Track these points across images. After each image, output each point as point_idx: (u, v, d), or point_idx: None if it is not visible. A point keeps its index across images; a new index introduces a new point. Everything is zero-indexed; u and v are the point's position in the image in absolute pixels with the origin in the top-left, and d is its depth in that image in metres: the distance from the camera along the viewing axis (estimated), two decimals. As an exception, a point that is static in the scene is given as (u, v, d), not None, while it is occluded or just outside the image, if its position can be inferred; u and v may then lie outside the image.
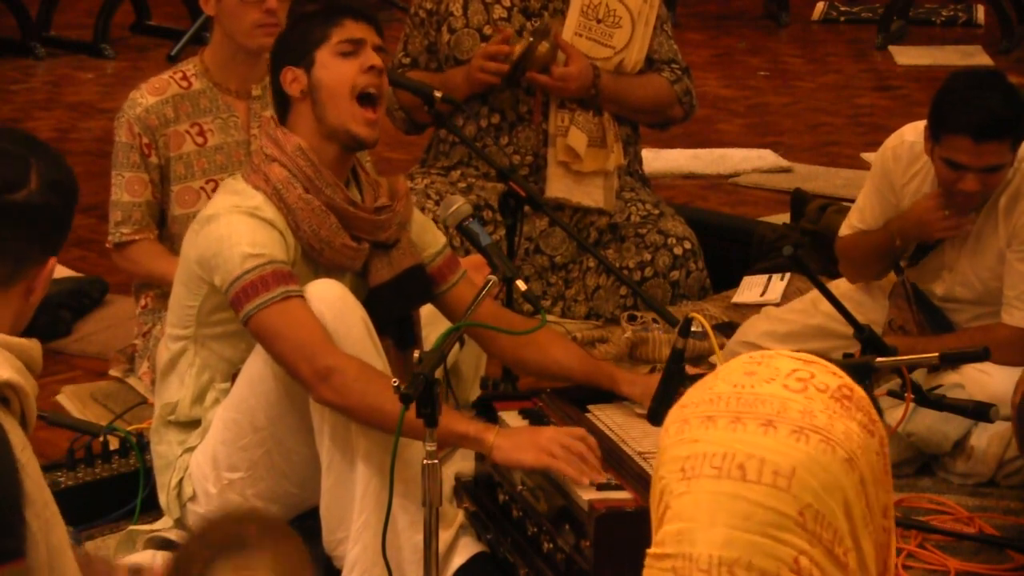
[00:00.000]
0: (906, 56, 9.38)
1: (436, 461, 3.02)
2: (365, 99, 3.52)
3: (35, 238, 2.38)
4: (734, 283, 5.22)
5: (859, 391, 1.83)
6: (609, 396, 3.67)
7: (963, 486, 4.04)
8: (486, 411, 3.60)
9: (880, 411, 1.89)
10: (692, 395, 1.85)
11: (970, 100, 3.98)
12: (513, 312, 3.91)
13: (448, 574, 3.38)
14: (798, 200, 5.62)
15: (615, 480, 3.20)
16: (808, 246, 5.12)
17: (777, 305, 4.80)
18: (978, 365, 3.94)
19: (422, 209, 4.73)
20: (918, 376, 3.91)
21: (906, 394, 3.42)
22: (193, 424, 3.58)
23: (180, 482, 3.55)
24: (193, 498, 3.54)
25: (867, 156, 6.70)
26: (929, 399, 3.49)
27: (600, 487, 3.16)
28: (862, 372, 3.32)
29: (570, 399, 3.63)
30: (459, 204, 3.56)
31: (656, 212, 5.10)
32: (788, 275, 5.15)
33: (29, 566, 2.24)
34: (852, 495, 1.76)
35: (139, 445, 3.85)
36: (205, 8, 4.31)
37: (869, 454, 1.79)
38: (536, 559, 3.23)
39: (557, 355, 3.72)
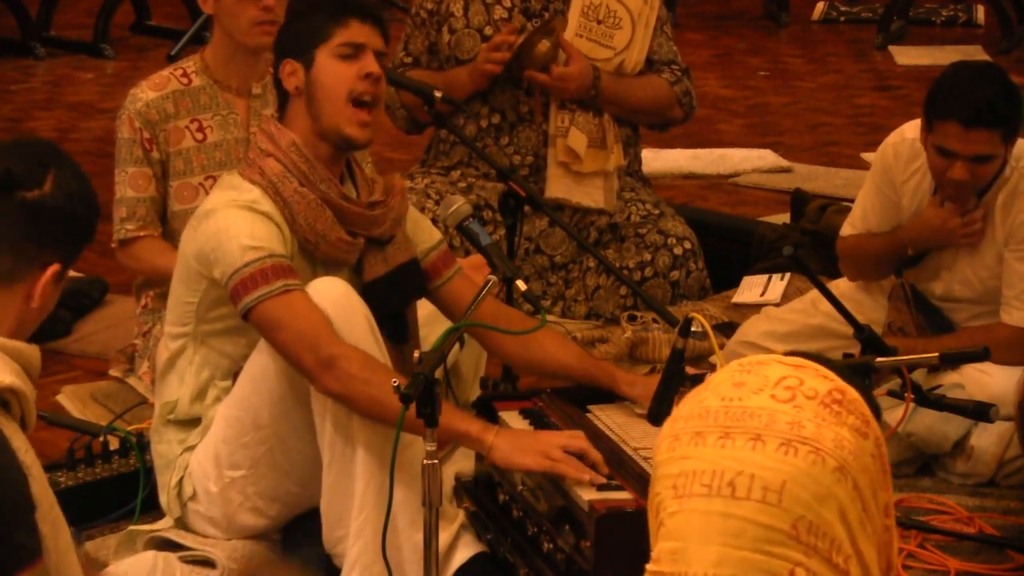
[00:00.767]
0: (906, 56, 9.38)
1: (436, 461, 3.02)
2: (360, 104, 3.52)
3: (39, 238, 2.39)
4: (734, 283, 5.23)
5: (851, 393, 1.82)
6: (609, 396, 3.67)
7: (963, 486, 4.04)
8: (486, 411, 3.60)
9: (878, 411, 1.88)
10: (683, 409, 1.85)
11: (963, 87, 4.00)
12: (514, 309, 3.91)
13: (448, 574, 3.38)
14: (798, 200, 5.63)
15: (616, 479, 3.20)
16: (808, 246, 5.12)
17: (777, 305, 4.80)
18: (978, 365, 3.94)
19: (422, 209, 4.73)
20: (918, 376, 3.91)
21: (906, 394, 3.42)
22: (193, 422, 3.58)
23: (180, 481, 3.55)
24: (194, 497, 3.54)
25: (867, 156, 6.70)
26: (929, 399, 3.49)
27: (600, 487, 3.16)
28: (862, 372, 3.32)
29: (570, 399, 3.63)
30: (459, 204, 3.56)
31: (656, 212, 5.10)
32: (788, 275, 5.15)
33: (44, 567, 2.25)
34: (847, 502, 1.76)
35: (139, 445, 3.85)
36: (203, 7, 4.31)
37: (863, 458, 1.78)
38: (536, 559, 3.23)
39: (557, 354, 3.72)
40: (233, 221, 3.43)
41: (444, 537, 3.34)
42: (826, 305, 3.93)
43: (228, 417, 3.48)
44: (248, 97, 4.36)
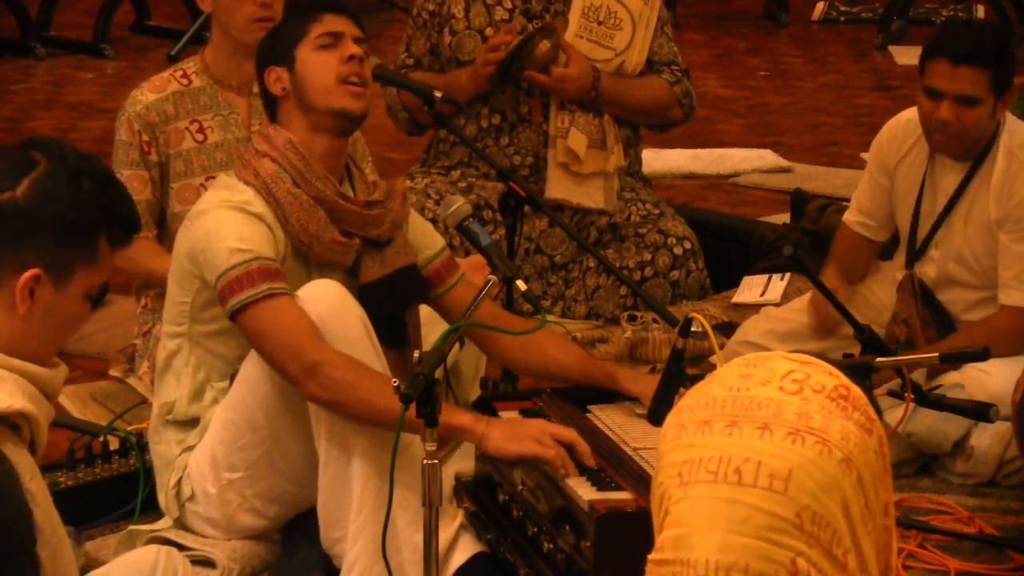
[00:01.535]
0: (906, 56, 9.37)
1: (436, 461, 3.02)
2: (349, 83, 3.54)
3: (9, 242, 2.31)
4: (734, 283, 5.23)
5: (856, 390, 1.83)
6: (609, 396, 3.67)
7: (963, 486, 4.04)
8: (486, 411, 3.60)
9: (879, 411, 1.89)
10: (688, 400, 1.86)
11: (957, 29, 4.16)
12: (512, 314, 3.91)
13: (448, 574, 3.38)
14: (798, 200, 5.63)
15: (607, 470, 3.21)
16: (808, 246, 5.12)
17: (777, 305, 4.80)
18: (978, 364, 3.94)
19: (422, 209, 4.73)
20: (918, 376, 3.91)
21: (906, 394, 3.42)
22: (191, 423, 3.58)
23: (179, 482, 3.55)
24: (192, 498, 3.54)
25: (867, 156, 6.69)
26: (929, 399, 3.49)
27: (591, 478, 3.16)
28: (862, 372, 3.32)
29: (570, 399, 3.63)
30: (459, 204, 3.57)
31: (656, 212, 5.10)
32: (788, 275, 5.15)
33: None
34: (850, 495, 1.77)
35: (139, 445, 3.85)
36: (202, 5, 4.32)
37: (867, 453, 1.79)
38: (536, 559, 3.23)
39: (557, 355, 3.72)
40: (223, 222, 3.43)
41: (444, 537, 3.34)
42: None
43: (225, 419, 3.49)
44: (249, 96, 4.36)
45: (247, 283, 3.37)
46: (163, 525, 3.59)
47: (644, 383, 3.62)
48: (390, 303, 3.60)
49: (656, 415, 3.41)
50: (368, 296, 3.52)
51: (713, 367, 4.28)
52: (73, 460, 3.85)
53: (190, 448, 3.56)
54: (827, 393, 1.80)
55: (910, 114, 4.32)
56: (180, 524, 3.57)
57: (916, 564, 3.67)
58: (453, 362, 4.02)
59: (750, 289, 5.18)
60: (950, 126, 4.09)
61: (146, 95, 4.31)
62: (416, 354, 3.10)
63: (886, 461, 1.82)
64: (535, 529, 3.26)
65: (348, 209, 3.54)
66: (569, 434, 3.28)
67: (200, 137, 4.32)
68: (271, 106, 3.62)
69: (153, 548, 3.02)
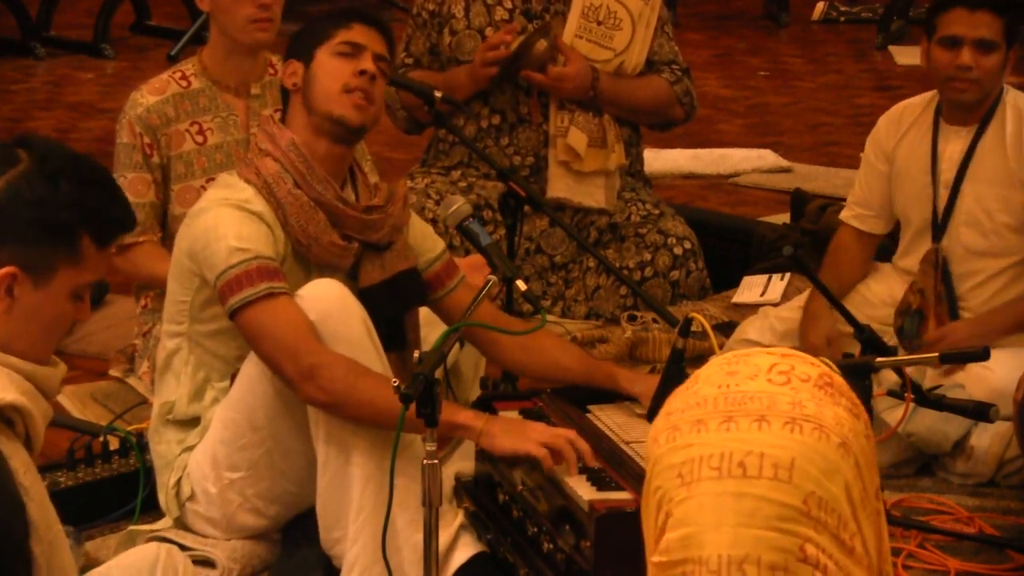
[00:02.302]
0: (906, 56, 9.38)
1: (436, 461, 3.02)
2: (353, 94, 3.54)
3: None
4: (734, 283, 5.22)
5: (838, 378, 1.84)
6: (609, 396, 3.67)
7: (963, 486, 4.04)
8: (486, 411, 3.60)
9: (872, 411, 1.90)
10: (676, 403, 1.86)
11: None
12: (512, 316, 3.91)
13: (448, 574, 3.38)
14: (798, 200, 5.63)
15: (607, 470, 3.21)
16: (808, 246, 5.12)
17: (776, 305, 4.80)
18: (979, 360, 3.95)
19: (422, 208, 4.73)
20: (915, 373, 3.91)
21: (906, 394, 3.42)
22: (191, 423, 3.58)
23: (179, 481, 3.55)
24: (192, 497, 3.54)
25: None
26: (929, 399, 3.49)
27: (591, 478, 3.16)
28: (862, 372, 3.32)
29: (570, 399, 3.63)
30: (459, 204, 3.57)
31: (656, 212, 5.10)
32: (788, 275, 5.15)
33: None
34: (851, 478, 1.78)
35: (139, 445, 3.85)
36: (200, 5, 4.31)
37: (859, 438, 1.81)
38: (536, 559, 3.23)
39: (556, 356, 3.72)
40: (222, 220, 3.43)
41: (444, 537, 3.34)
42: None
43: (225, 419, 3.48)
44: (247, 98, 4.36)
45: (246, 282, 3.37)
46: (163, 525, 3.59)
47: (644, 383, 3.62)
48: (390, 306, 3.60)
49: (656, 415, 3.41)
50: (368, 299, 3.52)
51: (713, 367, 4.28)
52: (73, 460, 3.85)
53: (190, 448, 3.56)
54: (814, 382, 1.82)
55: (906, 103, 4.42)
56: (180, 524, 3.57)
57: (916, 564, 3.66)
58: (453, 362, 4.01)
59: (750, 289, 5.18)
60: (972, 71, 4.18)
61: (146, 97, 4.31)
62: (416, 354, 3.10)
63: (873, 444, 1.84)
64: (535, 529, 3.26)
65: (348, 214, 3.54)
66: (569, 435, 3.28)
67: (200, 139, 4.32)
68: (284, 99, 3.63)
69: (153, 546, 3.02)
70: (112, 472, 3.86)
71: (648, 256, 5.02)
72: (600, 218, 5.03)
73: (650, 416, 3.45)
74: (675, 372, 3.35)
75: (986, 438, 4.01)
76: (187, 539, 3.54)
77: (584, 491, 3.14)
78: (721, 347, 4.28)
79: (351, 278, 3.59)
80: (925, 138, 4.33)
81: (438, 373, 3.06)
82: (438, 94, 4.34)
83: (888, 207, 4.45)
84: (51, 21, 9.52)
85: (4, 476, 2.22)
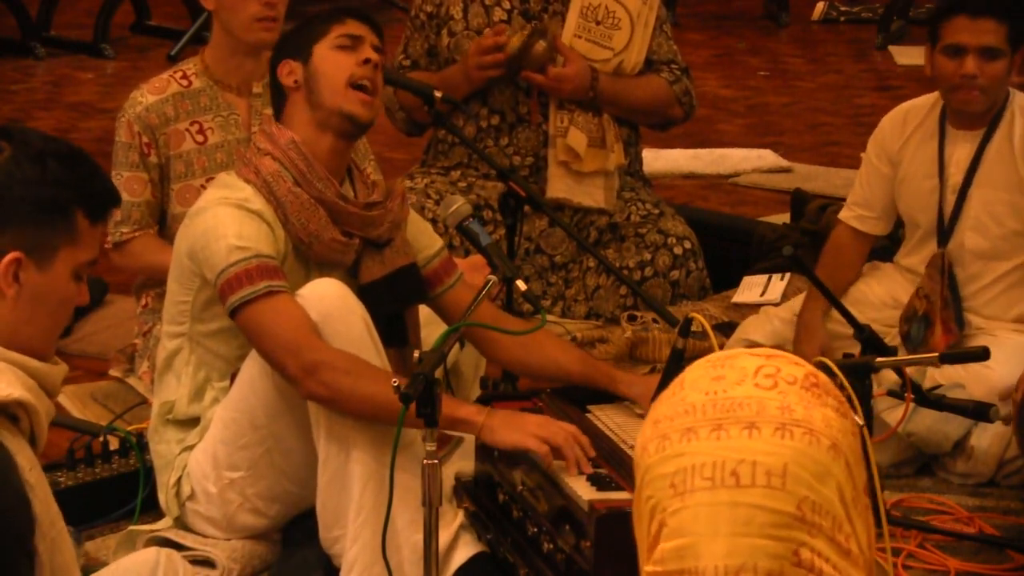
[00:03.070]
0: (906, 56, 9.37)
1: (436, 461, 3.02)
2: (359, 88, 3.54)
3: None
4: (734, 283, 5.22)
5: (823, 376, 1.84)
6: (609, 396, 3.67)
7: (963, 486, 4.04)
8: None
9: (871, 414, 1.90)
10: (664, 410, 1.85)
11: None
12: (511, 316, 3.91)
13: (448, 574, 3.38)
14: (798, 200, 5.63)
15: (605, 471, 3.21)
16: (808, 246, 5.12)
17: (776, 305, 4.80)
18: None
19: (422, 208, 4.73)
20: (916, 373, 3.91)
21: (906, 394, 3.42)
22: (191, 422, 3.58)
23: (179, 481, 3.55)
24: (192, 497, 3.54)
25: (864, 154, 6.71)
26: (929, 399, 3.50)
27: (591, 478, 3.16)
28: (862, 372, 3.32)
29: (570, 399, 3.63)
30: (459, 204, 3.57)
31: (656, 212, 5.10)
32: (788, 275, 5.15)
33: None
34: (842, 479, 1.78)
35: (139, 445, 3.85)
36: (204, 3, 4.31)
37: (848, 437, 1.81)
38: (536, 559, 3.23)
39: (556, 356, 3.72)
40: (222, 219, 3.44)
41: (444, 537, 3.34)
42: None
43: (225, 419, 3.49)
44: (249, 97, 4.36)
45: (246, 280, 3.37)
46: (163, 525, 3.59)
47: (642, 386, 3.62)
48: (390, 303, 3.60)
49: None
50: (368, 296, 3.52)
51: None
52: (73, 460, 3.85)
53: (190, 447, 3.56)
54: (800, 383, 1.81)
55: (909, 104, 4.38)
56: (180, 524, 3.57)
57: (916, 564, 3.66)
58: (453, 362, 4.02)
59: (750, 289, 5.18)
60: (977, 79, 4.15)
61: (146, 97, 4.31)
62: (416, 354, 3.10)
63: (859, 440, 1.84)
64: (535, 529, 3.26)
65: (348, 210, 3.55)
66: (570, 429, 3.29)
67: (200, 138, 4.32)
68: (279, 101, 3.62)
69: (153, 550, 3.01)
70: (112, 472, 3.86)
71: (648, 256, 5.02)
72: (600, 218, 5.03)
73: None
74: (675, 372, 3.34)
75: (986, 438, 4.01)
76: (187, 539, 3.54)
77: (584, 491, 3.14)
78: (721, 347, 4.28)
79: (351, 275, 3.60)
80: (931, 141, 4.31)
81: (438, 373, 3.06)
82: (438, 94, 4.34)
83: (889, 209, 4.44)
84: (51, 21, 9.51)
85: (9, 472, 2.22)
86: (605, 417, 3.57)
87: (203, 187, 4.28)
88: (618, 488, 3.17)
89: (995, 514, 3.91)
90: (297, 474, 3.48)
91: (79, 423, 4.07)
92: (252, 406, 3.45)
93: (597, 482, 3.18)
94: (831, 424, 1.79)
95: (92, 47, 9.24)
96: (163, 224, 4.36)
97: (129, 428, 4.01)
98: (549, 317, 4.34)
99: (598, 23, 4.94)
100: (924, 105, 4.35)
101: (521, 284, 3.36)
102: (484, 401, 3.65)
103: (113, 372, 4.64)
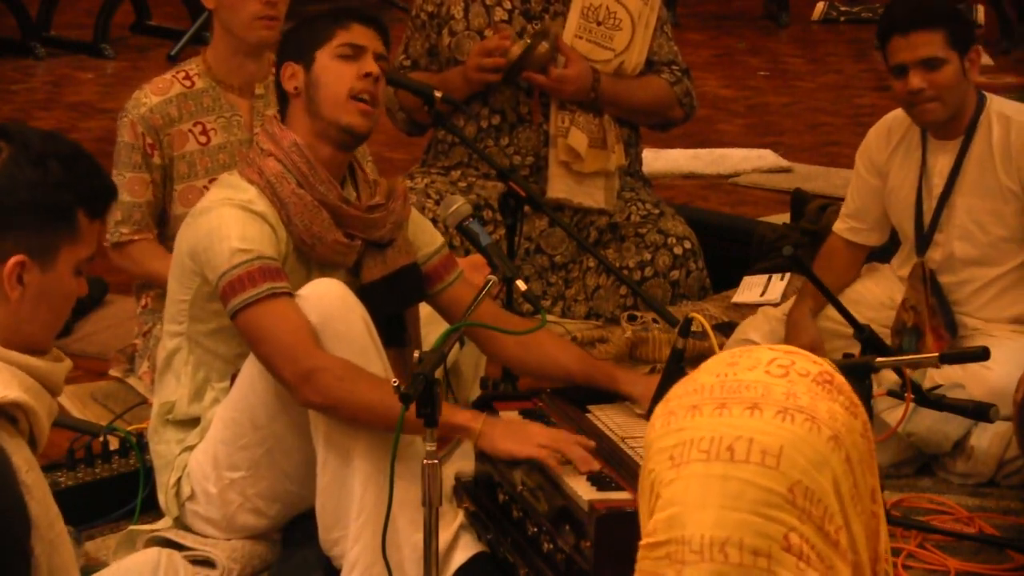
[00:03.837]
0: (906, 56, 9.36)
1: (436, 461, 3.03)
2: (359, 100, 3.54)
3: None
4: (734, 283, 5.22)
5: (839, 377, 1.86)
6: (609, 396, 3.67)
7: (963, 486, 4.04)
8: (486, 411, 3.60)
9: (872, 413, 1.91)
10: (676, 390, 1.88)
11: (897, 5, 4.27)
12: (512, 314, 3.91)
13: (448, 574, 3.38)
14: (798, 200, 5.63)
15: (607, 472, 3.21)
16: (808, 246, 5.12)
17: (776, 305, 4.80)
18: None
19: (422, 208, 4.73)
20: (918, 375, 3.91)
21: (906, 394, 3.42)
22: (191, 423, 3.58)
23: (179, 481, 3.55)
24: (192, 497, 3.54)
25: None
26: (929, 399, 3.50)
27: (591, 478, 3.17)
28: (862, 372, 3.32)
29: (570, 399, 3.63)
30: (459, 204, 3.57)
31: (656, 212, 5.10)
32: (788, 275, 5.15)
33: None
34: (840, 472, 1.79)
35: (139, 445, 3.85)
36: (205, 2, 4.31)
37: (854, 434, 1.82)
38: (536, 559, 3.23)
39: (556, 356, 3.72)
40: (225, 221, 3.44)
41: (444, 537, 3.34)
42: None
43: (226, 419, 3.49)
44: (251, 97, 4.36)
45: (248, 283, 3.37)
46: (163, 525, 3.59)
47: (643, 385, 3.62)
48: (391, 302, 3.60)
49: (657, 411, 3.41)
50: (369, 296, 3.52)
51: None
52: (73, 460, 3.85)
53: (190, 448, 3.56)
54: (812, 377, 1.83)
55: (892, 116, 4.38)
56: (180, 524, 3.57)
57: (916, 564, 3.66)
58: (453, 362, 4.02)
59: (750, 289, 5.18)
60: (923, 92, 4.14)
61: (149, 97, 4.30)
62: (416, 354, 3.10)
63: (872, 446, 1.85)
64: (535, 529, 3.26)
65: (351, 213, 3.55)
66: (566, 436, 3.29)
67: (203, 139, 4.32)
68: (282, 102, 3.62)
69: (154, 551, 3.01)
70: (112, 472, 3.86)
71: (648, 256, 5.02)
72: (600, 218, 5.03)
73: (650, 415, 3.44)
74: (675, 372, 3.36)
75: (986, 438, 4.01)
76: (187, 539, 3.54)
77: (584, 491, 3.14)
78: (721, 347, 4.28)
79: (352, 275, 3.60)
80: (916, 152, 4.31)
81: (438, 373, 3.06)
82: (438, 94, 4.34)
83: (882, 220, 4.45)
84: (51, 21, 9.52)
85: (5, 473, 2.22)
86: (605, 417, 3.57)
87: (206, 188, 4.27)
88: (618, 488, 3.17)
89: (995, 514, 3.91)
90: (297, 474, 3.48)
91: (79, 423, 4.07)
92: (252, 406, 3.45)
93: (597, 482, 3.19)
94: (836, 417, 1.80)
95: (92, 47, 9.25)
96: (164, 224, 4.36)
97: (129, 428, 4.01)
98: (549, 317, 4.34)
99: (599, 24, 4.95)
100: (907, 116, 4.33)
101: (521, 284, 3.36)
102: (484, 400, 3.66)
103: (113, 372, 4.64)
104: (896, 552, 3.63)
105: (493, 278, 3.38)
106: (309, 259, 3.56)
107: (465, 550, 3.42)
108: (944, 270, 4.30)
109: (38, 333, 2.38)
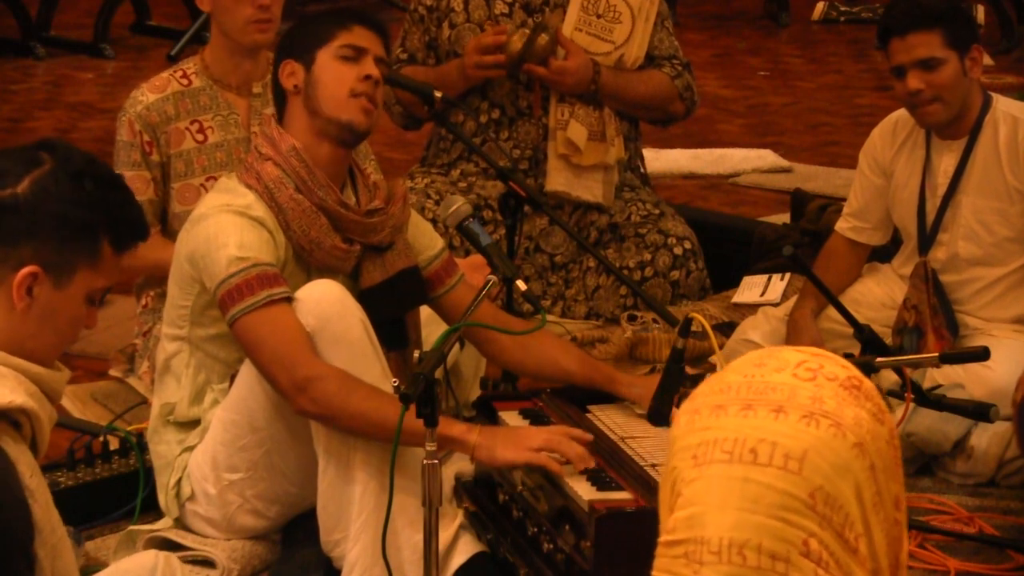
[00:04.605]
0: (906, 56, 9.36)
1: (436, 461, 3.02)
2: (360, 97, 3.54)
3: (7, 239, 2.32)
4: (734, 283, 5.22)
5: (868, 383, 1.86)
6: (609, 396, 3.67)
7: (963, 486, 4.04)
8: (486, 411, 3.60)
9: (890, 406, 1.91)
10: (702, 388, 1.88)
11: (893, 6, 4.25)
12: (511, 315, 3.91)
13: (448, 574, 3.38)
14: (798, 200, 5.62)
15: (607, 472, 3.21)
16: (808, 246, 5.12)
17: (776, 305, 4.80)
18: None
19: (422, 208, 4.73)
20: (918, 375, 3.91)
21: (906, 394, 3.42)
22: (192, 424, 3.58)
23: (179, 482, 3.55)
24: (192, 498, 3.54)
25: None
26: (929, 399, 3.49)
27: (591, 478, 3.16)
28: (862, 372, 3.31)
29: (570, 399, 3.63)
30: (459, 204, 3.56)
31: (656, 212, 5.10)
32: (788, 275, 5.15)
33: None
34: (863, 479, 1.78)
35: (139, 445, 3.85)
36: (201, 5, 4.32)
37: (879, 442, 1.81)
38: (536, 559, 3.23)
39: (556, 357, 3.72)
40: (223, 227, 3.43)
41: (444, 537, 3.34)
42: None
43: (225, 420, 3.48)
44: (249, 96, 4.36)
45: (247, 291, 3.36)
46: (163, 525, 3.59)
47: (642, 387, 3.61)
48: (391, 306, 3.60)
49: (656, 415, 3.42)
50: (369, 300, 3.52)
51: (713, 367, 4.29)
52: (73, 460, 3.85)
53: (190, 448, 3.55)
54: (840, 382, 1.83)
55: (897, 115, 4.38)
56: (180, 524, 3.57)
57: (916, 564, 3.66)
58: (453, 362, 4.02)
59: (750, 289, 5.18)
60: (922, 93, 4.14)
61: (146, 95, 4.31)
62: (416, 354, 3.09)
63: (898, 454, 1.85)
64: (535, 529, 3.26)
65: (349, 218, 3.54)
66: (559, 429, 3.29)
67: (200, 137, 4.32)
68: (280, 101, 3.62)
69: (152, 553, 3.02)
70: (112, 472, 3.86)
71: (648, 256, 5.02)
72: (600, 218, 5.03)
73: (650, 416, 3.45)
74: (675, 372, 3.36)
75: (986, 438, 4.01)
76: (187, 539, 3.54)
77: (584, 491, 3.14)
78: (721, 347, 4.28)
79: (352, 279, 3.59)
80: (920, 151, 4.31)
81: (438, 373, 3.06)
82: (438, 94, 4.34)
83: (885, 219, 4.45)
84: (51, 21, 9.51)
85: (10, 478, 2.22)
86: (605, 417, 3.56)
87: (203, 186, 4.28)
88: (618, 488, 3.17)
89: (995, 514, 3.91)
90: (297, 475, 3.48)
91: (79, 423, 4.06)
92: (251, 408, 3.45)
93: (597, 482, 3.18)
94: (861, 424, 1.80)
95: (92, 47, 9.24)
96: (164, 223, 4.36)
97: (129, 428, 4.01)
98: (549, 317, 4.34)
99: (599, 16, 4.94)
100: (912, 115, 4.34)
101: (521, 284, 3.36)
102: (484, 401, 3.65)
103: (113, 372, 4.64)
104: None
105: (493, 278, 3.38)
106: (308, 264, 3.55)
107: (465, 550, 3.42)
108: (947, 270, 4.30)
109: (39, 351, 2.37)
